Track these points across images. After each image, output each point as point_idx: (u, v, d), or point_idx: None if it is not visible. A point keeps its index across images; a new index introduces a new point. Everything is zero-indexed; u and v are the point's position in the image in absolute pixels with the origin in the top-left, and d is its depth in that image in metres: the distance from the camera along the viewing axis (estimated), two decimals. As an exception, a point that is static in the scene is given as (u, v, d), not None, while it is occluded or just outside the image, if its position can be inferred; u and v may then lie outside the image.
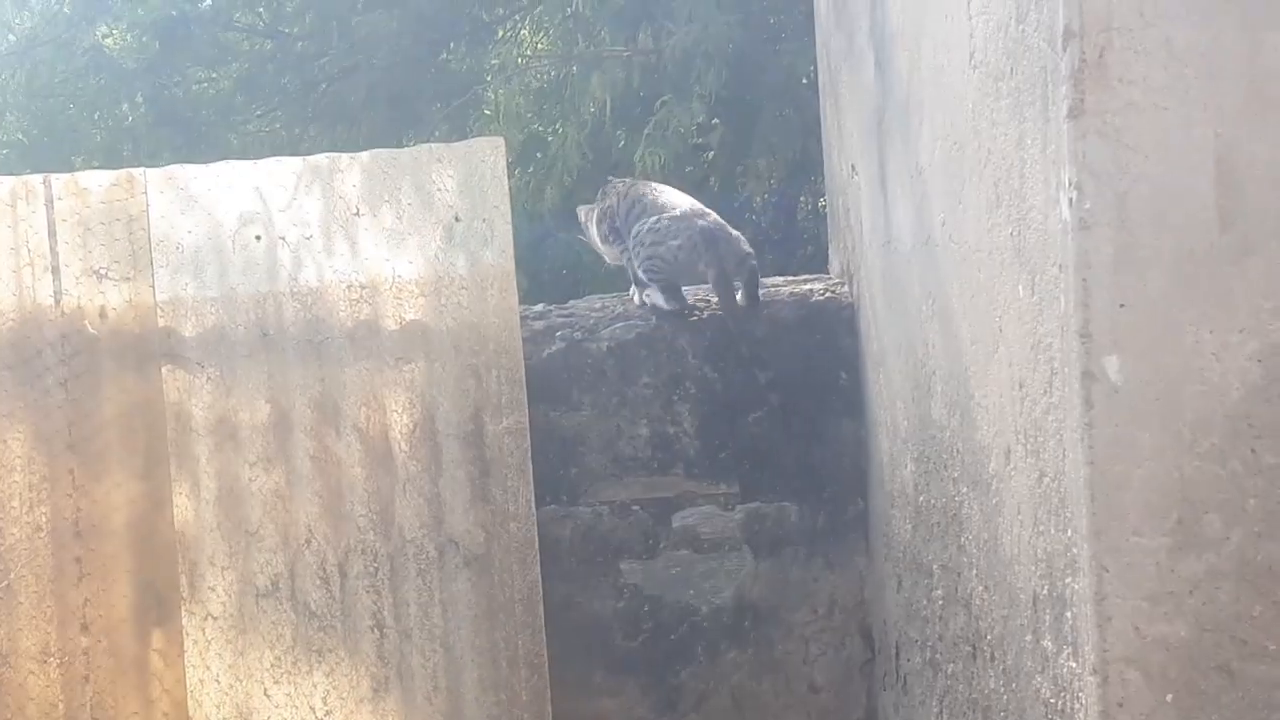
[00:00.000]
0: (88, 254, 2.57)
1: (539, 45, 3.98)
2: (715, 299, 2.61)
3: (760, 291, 2.68)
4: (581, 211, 2.89)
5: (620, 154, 3.49)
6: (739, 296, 2.58)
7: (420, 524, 2.56)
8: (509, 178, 2.72)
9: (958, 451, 2.10)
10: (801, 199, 3.32)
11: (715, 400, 2.63)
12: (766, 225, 3.69)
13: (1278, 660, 1.47)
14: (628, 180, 2.84)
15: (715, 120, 3.59)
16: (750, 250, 2.66)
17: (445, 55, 3.80)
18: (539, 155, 3.61)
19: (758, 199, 3.63)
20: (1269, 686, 1.48)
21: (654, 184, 2.83)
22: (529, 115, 3.63)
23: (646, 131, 3.38)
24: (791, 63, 3.22)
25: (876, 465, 2.57)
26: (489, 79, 3.69)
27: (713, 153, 3.70)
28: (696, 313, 2.65)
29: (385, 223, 2.58)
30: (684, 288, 2.65)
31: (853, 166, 2.64)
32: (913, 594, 2.43)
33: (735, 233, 2.66)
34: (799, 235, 3.32)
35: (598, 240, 2.84)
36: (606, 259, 2.87)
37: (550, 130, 3.65)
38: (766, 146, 3.37)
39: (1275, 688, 1.48)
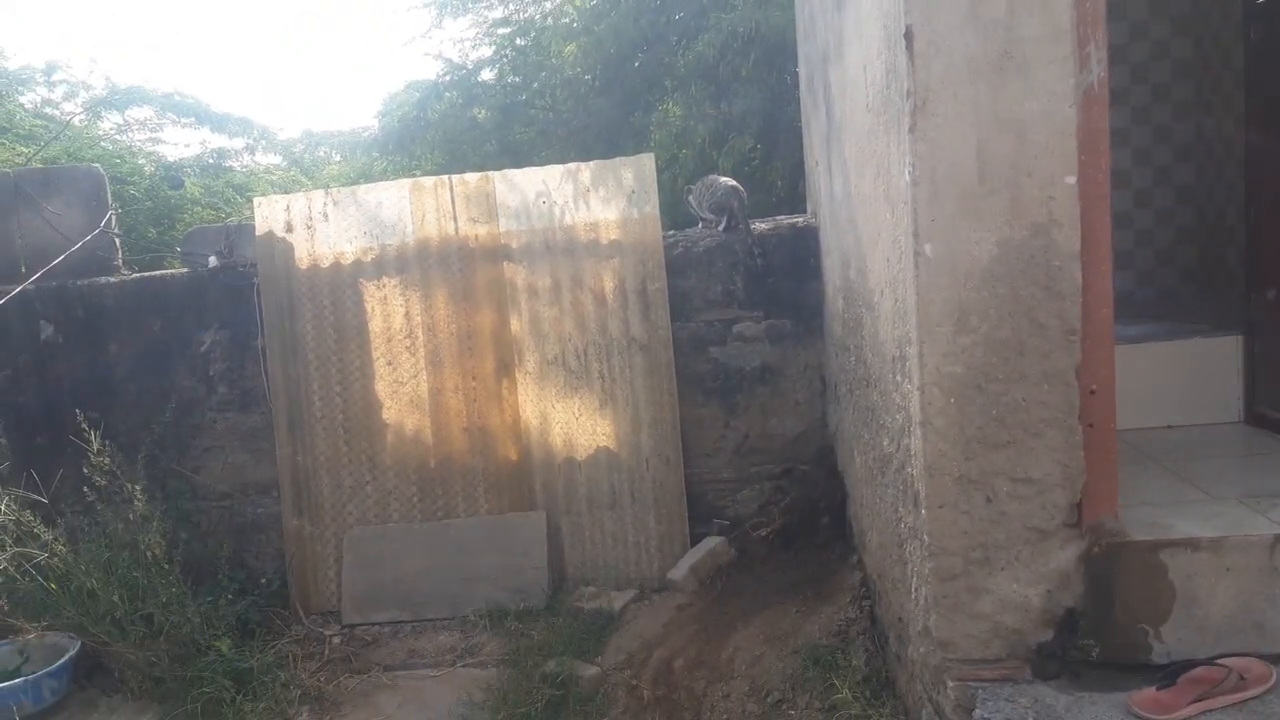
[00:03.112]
0: (469, 211, 4.60)
1: (675, 111, 6.16)
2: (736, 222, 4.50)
3: (763, 223, 4.63)
4: (687, 191, 4.91)
5: (712, 164, 5.59)
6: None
7: (619, 331, 4.52)
8: (661, 175, 4.62)
9: (860, 292, 3.34)
10: (800, 181, 5.16)
11: (752, 273, 4.52)
12: (784, 195, 5.71)
13: (1002, 383, 2.28)
14: (706, 177, 4.80)
15: (758, 145, 5.78)
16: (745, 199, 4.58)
17: (632, 118, 6.11)
18: (675, 165, 5.85)
19: (779, 182, 5.74)
20: (999, 394, 2.29)
21: (716, 175, 4.77)
22: (671, 145, 5.86)
23: (724, 150, 5.59)
24: (794, 114, 5.21)
25: (827, 301, 4.33)
26: (652, 129, 5.96)
27: (757, 160, 5.86)
28: (733, 229, 4.52)
29: (600, 194, 4.55)
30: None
31: (816, 161, 4.46)
32: (841, 359, 3.96)
33: (743, 191, 4.59)
34: (799, 198, 5.05)
35: (693, 205, 4.80)
36: (695, 214, 4.85)
37: (680, 153, 5.90)
38: (783, 157, 5.51)
39: (1001, 395, 2.28)
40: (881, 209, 2.64)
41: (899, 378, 2.55)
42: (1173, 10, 4.64)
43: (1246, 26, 3.35)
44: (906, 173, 2.26)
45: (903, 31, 2.23)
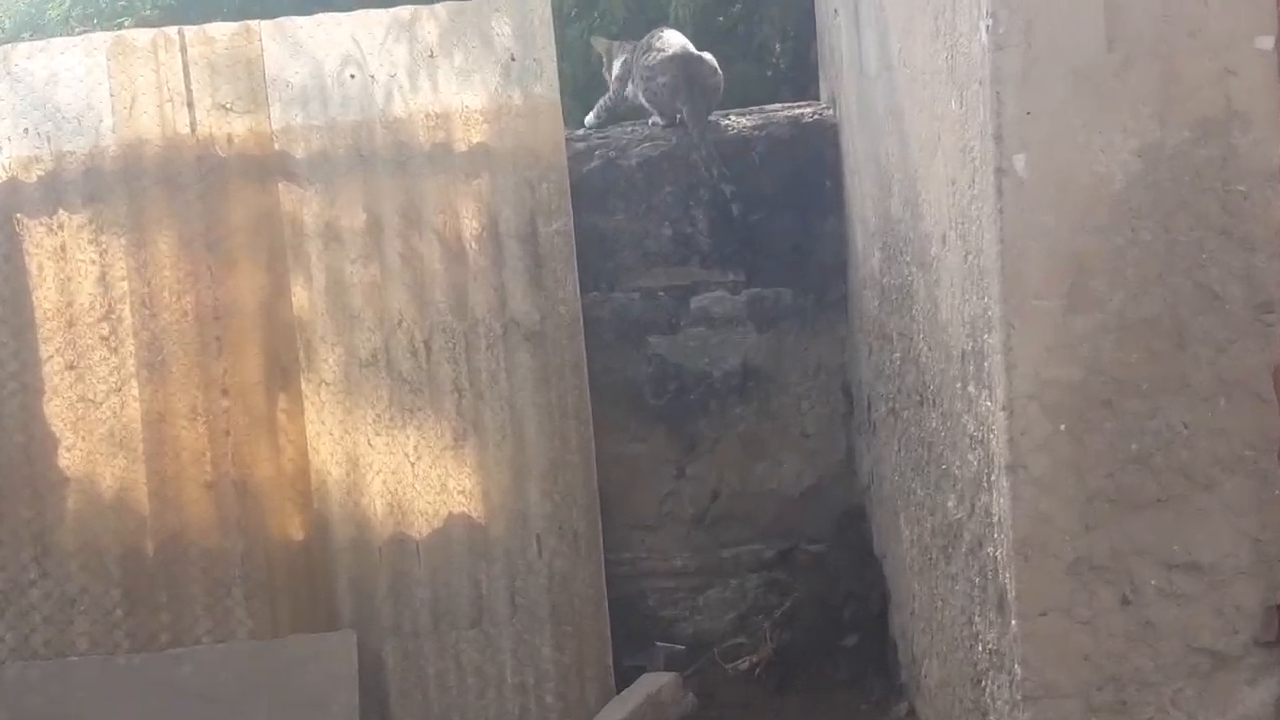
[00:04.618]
0: (215, 91, 3.16)
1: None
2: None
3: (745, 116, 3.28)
4: (600, 44, 3.52)
5: (659, 10, 4.04)
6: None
7: (488, 308, 3.15)
8: (567, 29, 3.17)
9: (908, 237, 2.50)
10: (811, 44, 3.77)
11: (723, 204, 3.17)
12: (785, 67, 4.25)
13: (1148, 396, 1.78)
14: (649, 35, 3.42)
15: (738, -26, 4.20)
16: (718, 73, 3.25)
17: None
18: (593, 10, 4.26)
19: (776, 45, 4.21)
20: (1141, 416, 1.79)
21: (663, 31, 3.40)
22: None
23: (679, -16, 4.02)
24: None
25: (853, 254, 3.07)
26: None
27: (739, 6, 4.29)
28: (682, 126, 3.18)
29: (456, 63, 3.14)
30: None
31: (835, 10, 3.13)
32: (879, 357, 2.92)
33: (709, 61, 3.26)
34: (812, 71, 3.75)
35: (618, 79, 3.40)
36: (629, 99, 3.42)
37: (601, -11, 4.27)
38: (783, 2, 3.95)
39: (1146, 418, 1.79)
40: (942, 91, 2.10)
41: (972, 387, 2.06)
42: None
43: None
44: (984, 28, 1.77)
45: None
